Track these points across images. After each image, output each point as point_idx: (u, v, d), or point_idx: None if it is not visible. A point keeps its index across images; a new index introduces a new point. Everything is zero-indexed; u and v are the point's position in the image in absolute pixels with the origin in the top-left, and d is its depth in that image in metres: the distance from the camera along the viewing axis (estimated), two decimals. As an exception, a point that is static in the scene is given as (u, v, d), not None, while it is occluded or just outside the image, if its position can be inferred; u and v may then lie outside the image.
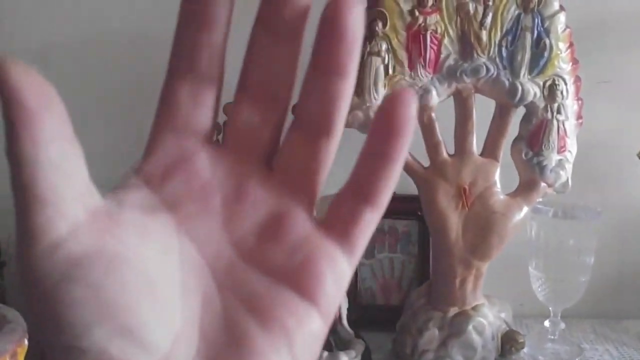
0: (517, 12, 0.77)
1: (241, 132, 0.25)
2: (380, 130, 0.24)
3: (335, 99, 0.24)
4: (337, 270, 0.24)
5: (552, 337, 0.91)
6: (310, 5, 0.23)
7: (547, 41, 0.77)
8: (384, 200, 0.25)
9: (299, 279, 0.24)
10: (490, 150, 0.80)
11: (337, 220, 0.25)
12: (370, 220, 0.25)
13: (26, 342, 0.63)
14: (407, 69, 0.77)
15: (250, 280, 0.24)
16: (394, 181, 0.24)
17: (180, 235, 0.24)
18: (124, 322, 0.21)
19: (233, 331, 0.23)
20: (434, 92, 0.78)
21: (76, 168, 0.21)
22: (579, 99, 0.80)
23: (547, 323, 0.91)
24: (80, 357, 0.20)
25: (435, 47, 0.77)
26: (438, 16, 0.77)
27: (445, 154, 0.80)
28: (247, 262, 0.24)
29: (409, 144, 0.24)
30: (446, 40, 0.77)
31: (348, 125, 0.77)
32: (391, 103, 0.23)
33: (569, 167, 0.80)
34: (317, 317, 0.24)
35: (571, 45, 0.79)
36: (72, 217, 0.21)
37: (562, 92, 0.78)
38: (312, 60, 0.24)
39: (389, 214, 0.94)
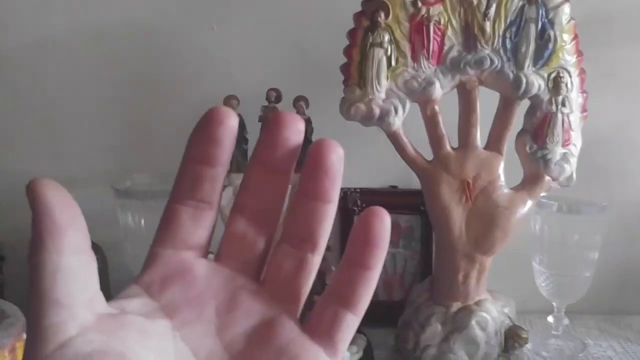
0: (521, 3, 0.76)
1: (234, 248, 0.28)
2: (358, 242, 0.27)
3: (320, 220, 0.28)
4: None
5: (556, 332, 0.90)
6: (300, 148, 0.27)
7: (552, 33, 0.76)
8: (364, 305, 0.28)
9: None
10: (494, 143, 0.79)
11: (321, 324, 0.28)
12: (352, 324, 0.28)
13: (25, 336, 0.62)
14: (410, 60, 0.76)
15: None
16: (372, 287, 0.28)
17: (177, 338, 0.26)
18: None
19: None
20: (437, 85, 0.77)
21: (90, 277, 0.24)
22: (583, 91, 0.79)
23: (550, 319, 0.90)
24: None
25: (438, 39, 0.76)
26: (441, 7, 0.76)
27: (448, 147, 0.79)
28: None
29: (385, 255, 0.27)
30: (449, 32, 0.76)
31: (350, 117, 0.76)
32: (367, 218, 0.27)
33: (573, 160, 0.79)
34: None
35: (576, 37, 0.78)
36: (82, 320, 0.23)
37: (566, 85, 0.77)
38: (300, 188, 0.28)
39: (392, 208, 0.93)
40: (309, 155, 0.27)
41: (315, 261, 0.28)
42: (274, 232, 0.29)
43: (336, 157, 0.27)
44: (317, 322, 0.28)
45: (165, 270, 0.27)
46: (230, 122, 0.26)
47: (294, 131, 0.27)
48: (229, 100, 0.85)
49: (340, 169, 0.27)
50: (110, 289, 0.94)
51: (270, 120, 0.27)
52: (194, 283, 0.27)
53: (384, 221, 0.27)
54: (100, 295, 0.25)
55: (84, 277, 0.24)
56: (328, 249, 0.29)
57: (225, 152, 0.27)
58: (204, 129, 0.27)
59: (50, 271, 0.23)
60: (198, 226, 0.28)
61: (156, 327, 0.26)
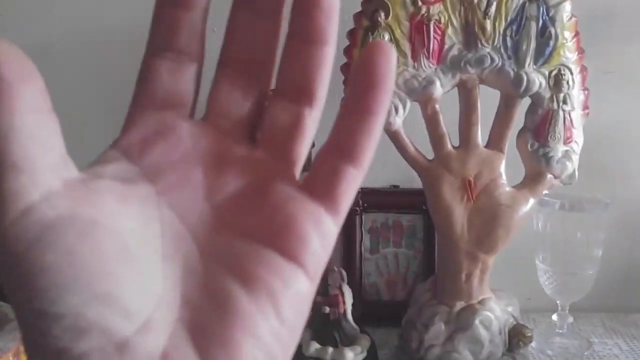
0: (521, 1, 0.76)
1: (223, 106, 0.25)
2: (359, 84, 0.24)
3: (316, 66, 0.24)
4: (322, 230, 0.24)
5: (560, 331, 0.90)
6: None
7: (553, 30, 0.76)
8: (367, 157, 0.24)
9: (282, 241, 0.24)
10: (495, 141, 0.79)
11: (320, 180, 0.25)
12: (354, 178, 0.24)
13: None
14: (410, 59, 0.76)
15: (233, 245, 0.24)
16: (376, 137, 0.24)
17: (161, 204, 0.24)
18: (100, 287, 0.20)
19: (216, 295, 0.23)
20: (437, 83, 0.77)
21: (52, 139, 0.21)
22: (585, 89, 0.79)
23: (555, 317, 0.90)
24: (55, 323, 0.20)
25: (438, 38, 0.76)
26: (441, 6, 0.75)
27: (449, 146, 0.79)
28: (229, 227, 0.24)
29: (389, 98, 0.24)
30: (450, 30, 0.76)
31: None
32: (370, 55, 0.23)
33: (575, 158, 0.79)
34: (303, 277, 0.24)
35: (577, 34, 0.77)
36: (46, 185, 0.21)
37: (568, 82, 0.77)
38: (291, 29, 0.24)
39: (394, 208, 0.93)
40: None
41: (314, 116, 0.25)
42: (267, 86, 0.26)
43: None
44: (315, 179, 0.25)
45: (146, 131, 0.24)
46: None
47: None
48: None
49: (337, 3, 0.24)
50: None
51: None
52: (179, 144, 0.24)
53: (389, 58, 0.23)
54: (67, 160, 0.22)
55: (44, 139, 0.21)
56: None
57: None
58: None
59: (4, 133, 0.20)
60: (179, 81, 0.25)
61: (137, 192, 0.23)
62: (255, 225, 0.24)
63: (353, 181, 0.24)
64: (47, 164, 0.21)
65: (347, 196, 0.24)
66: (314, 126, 0.26)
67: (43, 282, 0.20)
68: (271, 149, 0.25)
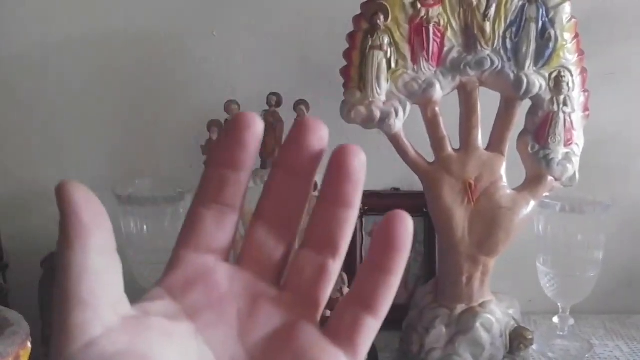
0: (521, 2, 0.76)
1: (256, 253, 0.28)
2: (380, 246, 0.27)
3: (341, 225, 0.28)
4: None
5: (562, 333, 0.90)
6: (324, 150, 0.27)
7: (552, 32, 0.76)
8: (384, 309, 0.27)
9: None
10: (495, 144, 0.79)
11: (341, 328, 0.27)
12: (372, 328, 0.27)
13: (29, 344, 0.62)
14: (410, 62, 0.76)
15: None
16: (393, 291, 0.27)
17: (199, 341, 0.26)
18: None
19: None
20: (437, 86, 0.76)
21: (115, 278, 0.25)
22: (585, 90, 0.79)
23: (556, 319, 0.90)
24: None
25: (438, 40, 0.76)
26: (441, 8, 0.75)
27: (450, 149, 0.79)
28: None
29: (407, 258, 0.27)
30: (449, 33, 0.76)
31: (351, 120, 0.76)
32: (391, 222, 0.26)
33: (576, 160, 0.79)
34: None
35: (577, 36, 0.77)
36: (107, 321, 0.23)
37: (568, 84, 0.77)
38: (322, 193, 0.28)
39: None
40: (332, 160, 0.27)
41: (336, 267, 0.28)
42: (295, 237, 0.29)
43: (359, 162, 0.27)
44: (337, 326, 0.28)
45: (188, 273, 0.27)
46: (257, 126, 0.27)
47: (318, 137, 0.27)
48: (230, 105, 0.85)
49: (363, 175, 0.27)
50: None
51: (295, 124, 0.28)
52: (216, 286, 0.27)
53: (406, 225, 0.27)
54: (124, 297, 0.25)
55: (110, 278, 0.24)
56: None
57: (250, 156, 0.27)
58: (231, 133, 0.27)
59: (77, 271, 0.23)
60: (221, 230, 0.28)
61: (179, 329, 0.26)
62: None
63: (372, 331, 0.27)
64: (109, 302, 0.24)
65: (365, 344, 0.27)
66: (335, 275, 0.28)
67: None
68: (297, 294, 0.28)
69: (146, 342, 0.24)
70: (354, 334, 0.27)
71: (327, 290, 0.29)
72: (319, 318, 0.28)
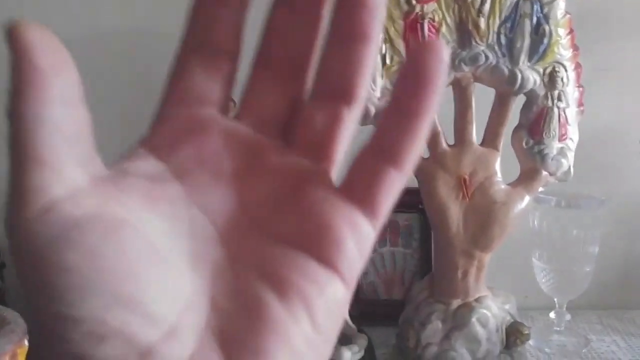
0: (515, -2, 0.76)
1: (257, 105, 0.24)
2: (406, 85, 0.22)
3: (358, 64, 0.23)
4: (359, 234, 0.23)
5: (558, 328, 0.90)
6: None
7: (547, 27, 0.76)
8: (410, 160, 0.23)
9: (317, 245, 0.22)
10: (490, 139, 0.79)
11: (358, 182, 0.23)
12: (395, 181, 0.23)
13: (26, 342, 0.63)
14: (404, 58, 0.76)
15: (265, 249, 0.22)
16: (421, 141, 0.23)
17: (190, 204, 0.23)
18: (123, 290, 0.19)
19: (247, 301, 0.22)
20: (432, 82, 0.77)
21: (80, 133, 0.20)
22: (579, 86, 0.79)
23: (552, 314, 0.90)
24: (74, 327, 0.19)
25: (433, 36, 0.76)
26: (435, 4, 0.75)
27: (444, 144, 0.79)
28: (261, 230, 0.23)
29: (438, 100, 0.22)
30: (444, 29, 0.76)
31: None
32: (420, 53, 0.22)
33: (570, 155, 0.79)
34: (338, 283, 0.22)
35: (571, 31, 0.77)
36: (72, 181, 0.20)
37: (562, 79, 0.77)
38: (333, 26, 0.23)
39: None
40: None
41: (353, 115, 0.24)
42: (304, 86, 0.25)
43: None
44: (354, 180, 0.23)
45: (176, 128, 0.23)
46: None
47: None
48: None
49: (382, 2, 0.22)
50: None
51: None
52: (210, 142, 0.23)
53: (441, 57, 0.22)
54: (95, 156, 0.21)
55: (73, 133, 0.20)
56: None
57: None
58: None
59: (30, 124, 0.19)
60: (213, 78, 0.24)
61: (165, 191, 0.22)
62: (288, 228, 0.23)
63: (394, 184, 0.23)
64: (73, 159, 0.20)
65: (387, 200, 0.23)
66: (352, 126, 0.24)
67: (63, 282, 0.19)
68: (307, 149, 0.24)
69: (123, 205, 0.21)
70: (374, 188, 0.23)
71: (342, 142, 0.24)
72: (332, 176, 0.24)
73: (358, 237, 0.23)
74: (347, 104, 0.24)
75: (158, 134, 0.24)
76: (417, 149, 0.23)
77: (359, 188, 0.23)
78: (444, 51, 0.22)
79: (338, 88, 0.24)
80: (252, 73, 0.25)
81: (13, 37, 0.19)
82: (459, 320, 0.79)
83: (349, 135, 0.24)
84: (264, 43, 0.24)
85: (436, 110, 0.22)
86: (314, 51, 0.24)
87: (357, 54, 0.23)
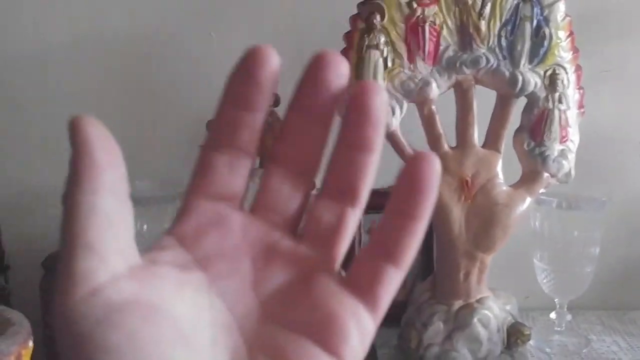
0: (515, 1, 0.76)
1: (271, 200, 0.27)
2: (403, 189, 0.25)
3: (362, 171, 0.26)
4: (362, 326, 0.25)
5: (559, 329, 0.90)
6: (344, 89, 0.25)
7: (547, 30, 0.76)
8: (408, 259, 0.25)
9: (324, 334, 0.24)
10: (491, 141, 0.80)
11: (361, 278, 0.26)
12: (394, 278, 0.25)
13: (30, 343, 0.63)
14: (406, 61, 0.77)
15: (277, 338, 0.25)
16: (418, 240, 0.25)
17: (211, 293, 0.25)
18: None
19: None
20: (433, 85, 0.77)
21: (125, 224, 0.23)
22: (580, 88, 0.80)
23: (553, 315, 0.90)
24: None
25: (434, 39, 0.76)
26: (436, 7, 0.76)
27: (446, 147, 0.79)
28: (274, 320, 0.25)
29: (433, 205, 0.25)
30: (445, 32, 0.77)
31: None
32: (415, 163, 0.24)
33: (571, 156, 0.80)
34: None
35: (571, 33, 0.78)
36: (114, 268, 0.22)
37: (563, 82, 0.78)
38: (341, 136, 0.26)
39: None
40: (350, 100, 0.25)
41: (356, 215, 0.27)
42: (313, 184, 0.27)
43: (380, 100, 0.25)
44: (357, 276, 0.26)
45: (200, 221, 0.26)
46: (273, 62, 0.25)
47: (337, 73, 0.25)
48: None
49: (384, 114, 0.25)
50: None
51: (311, 60, 0.25)
52: (230, 235, 0.26)
53: (433, 166, 0.24)
54: (133, 246, 0.23)
55: (119, 223, 0.22)
56: None
57: (266, 96, 0.25)
58: (244, 70, 0.25)
59: (85, 212, 0.21)
60: (235, 175, 0.26)
61: (191, 279, 0.24)
62: (298, 318, 0.25)
63: (394, 281, 0.25)
64: (117, 247, 0.22)
65: (387, 295, 0.25)
66: (355, 223, 0.27)
67: None
68: (315, 244, 0.26)
69: (156, 291, 0.23)
70: (375, 284, 0.25)
71: (346, 241, 0.27)
72: (337, 269, 0.27)
73: (361, 329, 0.25)
74: (351, 205, 0.26)
75: (183, 224, 0.26)
76: (414, 248, 0.25)
77: (363, 284, 0.25)
78: (437, 162, 0.24)
79: (345, 189, 0.26)
80: (265, 169, 0.27)
81: (74, 130, 0.22)
82: (460, 321, 0.80)
83: (352, 232, 0.27)
84: (277, 144, 0.27)
85: (429, 215, 0.25)
86: (322, 153, 0.27)
87: (361, 162, 0.25)
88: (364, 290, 0.25)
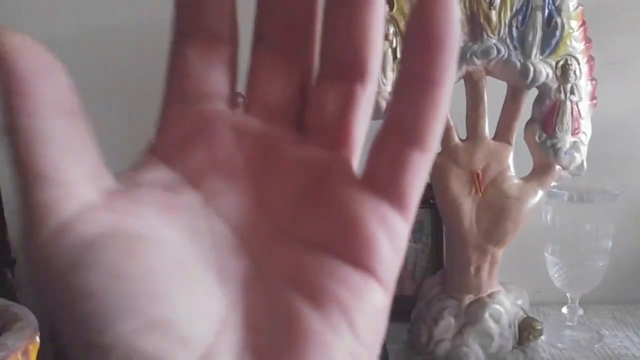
0: (526, -10, 0.75)
1: (264, 93, 0.22)
2: (415, 47, 0.19)
3: (365, 32, 0.20)
4: (391, 230, 0.20)
5: (571, 323, 0.89)
6: None
7: (559, 20, 0.75)
8: (434, 137, 0.20)
9: (348, 246, 0.20)
10: (502, 133, 0.79)
11: (381, 171, 0.20)
12: (421, 164, 0.20)
13: (38, 339, 0.63)
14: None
15: (294, 256, 0.20)
16: (443, 111, 0.20)
17: (209, 213, 0.21)
18: (152, 312, 0.18)
19: (282, 315, 0.20)
20: (443, 76, 0.76)
21: (82, 145, 0.19)
22: (592, 79, 0.78)
23: (565, 310, 0.89)
24: (107, 355, 0.17)
25: (443, 29, 0.75)
26: (446, -3, 0.75)
27: (457, 139, 0.78)
28: (287, 235, 0.21)
29: (455, 60, 0.19)
30: (455, 22, 0.76)
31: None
32: (423, 9, 0.18)
33: (583, 149, 0.78)
34: (376, 287, 0.20)
35: (583, 23, 0.77)
36: (83, 196, 0.18)
37: (575, 72, 0.76)
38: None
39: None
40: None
41: (368, 92, 0.21)
42: (311, 66, 0.22)
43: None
44: (376, 169, 0.21)
45: (182, 131, 0.21)
46: None
47: None
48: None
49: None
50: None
51: None
52: (221, 142, 0.21)
53: (448, 8, 0.18)
54: (103, 169, 0.19)
55: (73, 145, 0.18)
56: None
57: None
58: None
59: (24, 138, 0.17)
60: (214, 68, 0.21)
61: (181, 200, 0.20)
62: (315, 230, 0.21)
63: (420, 168, 0.20)
64: (80, 174, 0.18)
65: (415, 187, 0.20)
66: (369, 102, 0.22)
67: (87, 309, 0.17)
68: (322, 137, 0.22)
69: (140, 219, 0.19)
70: (399, 175, 0.20)
71: (359, 123, 0.22)
72: (354, 164, 0.22)
73: (390, 233, 0.20)
74: (360, 79, 0.21)
75: (165, 138, 0.22)
76: (440, 124, 0.20)
77: (383, 178, 0.20)
78: (456, 6, 0.19)
79: (347, 62, 0.21)
80: (252, 57, 0.22)
81: None
82: (471, 315, 0.79)
83: (367, 116, 0.22)
84: (258, 14, 0.22)
85: (454, 78, 0.20)
86: (316, 20, 0.22)
87: (362, 18, 0.20)
88: (387, 186, 0.20)
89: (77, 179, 0.18)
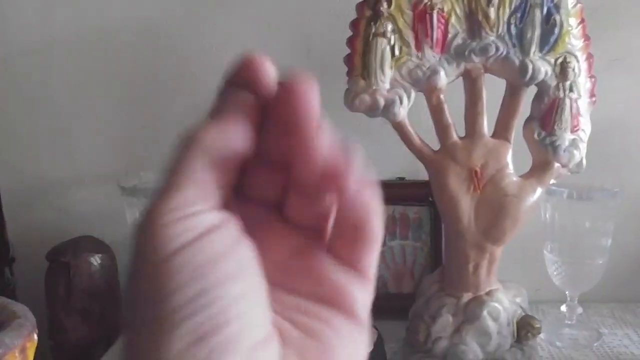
0: (525, -12, 0.75)
1: (255, 189, 0.26)
2: (280, 124, 0.25)
3: (294, 147, 0.25)
4: (363, 292, 0.27)
5: (570, 322, 0.89)
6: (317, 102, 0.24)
7: (557, 17, 0.75)
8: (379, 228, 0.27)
9: (336, 302, 0.26)
10: (501, 131, 0.78)
11: (341, 246, 0.27)
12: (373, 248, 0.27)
13: (35, 336, 0.63)
14: (413, 49, 0.75)
15: (294, 304, 0.26)
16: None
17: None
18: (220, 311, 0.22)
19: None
20: (442, 73, 0.76)
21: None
22: (591, 76, 0.78)
23: (564, 308, 0.89)
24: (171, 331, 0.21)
25: (442, 27, 0.75)
26: (444, -6, 0.75)
27: (455, 137, 0.78)
28: (284, 289, 0.26)
29: (317, 129, 0.24)
30: (453, 19, 0.75)
31: (355, 109, 0.76)
32: (284, 99, 0.24)
33: (582, 146, 0.78)
34: (352, 325, 0.27)
35: (582, 21, 0.76)
36: (211, 205, 0.24)
37: (574, 70, 0.76)
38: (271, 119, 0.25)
39: (400, 200, 0.92)
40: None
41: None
42: (295, 175, 0.26)
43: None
44: (335, 252, 0.27)
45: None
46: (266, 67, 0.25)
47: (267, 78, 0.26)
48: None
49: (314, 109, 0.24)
50: (120, 287, 0.94)
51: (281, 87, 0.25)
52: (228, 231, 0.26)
53: (307, 98, 0.24)
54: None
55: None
56: None
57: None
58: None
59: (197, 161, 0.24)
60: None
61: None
62: (306, 289, 0.26)
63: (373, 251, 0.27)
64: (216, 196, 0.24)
65: (371, 261, 0.27)
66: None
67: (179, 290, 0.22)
68: (301, 228, 0.27)
69: (232, 227, 0.24)
70: (358, 254, 0.27)
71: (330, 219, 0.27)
72: (325, 240, 0.27)
73: (364, 294, 0.27)
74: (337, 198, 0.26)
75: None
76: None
77: (345, 253, 0.27)
78: (314, 94, 0.24)
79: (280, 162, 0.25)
80: (250, 166, 0.26)
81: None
82: (469, 313, 0.79)
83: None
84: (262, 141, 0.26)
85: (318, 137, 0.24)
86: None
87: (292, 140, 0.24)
88: (347, 260, 0.26)
89: (213, 196, 0.24)
